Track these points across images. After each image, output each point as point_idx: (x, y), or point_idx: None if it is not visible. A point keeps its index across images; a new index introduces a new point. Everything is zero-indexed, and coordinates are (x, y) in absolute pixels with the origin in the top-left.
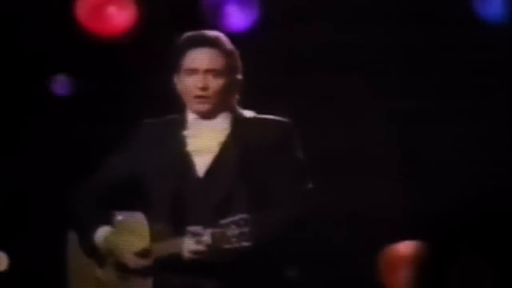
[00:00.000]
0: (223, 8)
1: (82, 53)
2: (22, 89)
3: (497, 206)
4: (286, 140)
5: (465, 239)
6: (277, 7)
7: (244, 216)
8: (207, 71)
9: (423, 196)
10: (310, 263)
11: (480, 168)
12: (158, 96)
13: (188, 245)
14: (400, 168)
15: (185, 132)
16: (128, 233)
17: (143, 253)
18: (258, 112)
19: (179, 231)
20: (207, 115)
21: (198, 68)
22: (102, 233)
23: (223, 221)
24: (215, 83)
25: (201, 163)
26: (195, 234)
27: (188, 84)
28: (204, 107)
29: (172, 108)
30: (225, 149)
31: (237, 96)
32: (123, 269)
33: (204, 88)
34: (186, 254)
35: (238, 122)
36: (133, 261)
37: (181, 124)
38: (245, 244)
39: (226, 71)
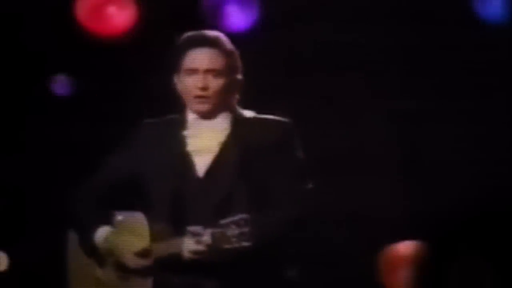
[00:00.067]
0: (223, 8)
1: (82, 53)
2: (22, 89)
3: (497, 206)
4: (286, 140)
5: (465, 239)
6: (277, 7)
7: (244, 216)
8: (207, 71)
9: (423, 196)
10: (310, 263)
11: (480, 168)
12: (158, 96)
13: (188, 245)
14: (400, 168)
15: (185, 132)
16: (128, 233)
17: (143, 253)
18: (258, 112)
19: (179, 231)
20: (207, 115)
21: (198, 68)
22: (102, 233)
23: (223, 221)
24: (215, 83)
25: (201, 163)
26: (195, 234)
27: (188, 84)
28: (204, 107)
29: (172, 108)
30: (225, 149)
31: (237, 96)
32: (123, 269)
33: (204, 88)
34: (186, 254)
35: (238, 122)
36: (133, 261)
37: (181, 124)
38: (245, 244)
39: (226, 71)
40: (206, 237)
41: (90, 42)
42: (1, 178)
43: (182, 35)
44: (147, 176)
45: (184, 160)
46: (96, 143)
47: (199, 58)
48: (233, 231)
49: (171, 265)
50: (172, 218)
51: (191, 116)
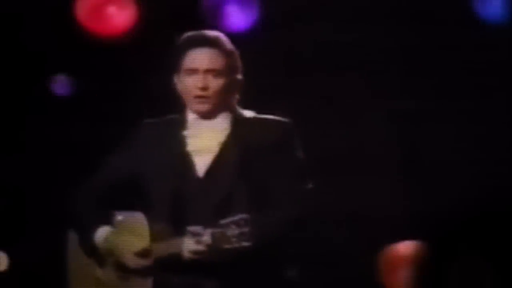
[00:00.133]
0: (223, 8)
1: (82, 53)
2: (22, 89)
3: (497, 206)
4: (286, 140)
5: (465, 239)
6: (277, 7)
7: (244, 216)
8: (207, 71)
9: (423, 196)
10: (310, 263)
11: (480, 168)
12: (158, 96)
13: (188, 245)
14: (400, 168)
15: (185, 132)
16: (128, 233)
17: (143, 253)
18: (258, 112)
19: (179, 231)
20: (207, 115)
21: (198, 68)
22: (102, 233)
23: (223, 221)
24: (215, 83)
25: (201, 163)
26: (195, 234)
27: (188, 84)
28: (204, 107)
29: (172, 108)
30: (225, 149)
31: (237, 96)
32: (123, 269)
33: (204, 88)
34: (186, 254)
35: (238, 122)
36: (133, 261)
37: (181, 124)
38: (245, 244)
39: (226, 71)
40: (206, 237)
41: (90, 42)
42: (1, 178)
43: (182, 35)
44: (147, 176)
45: (184, 160)
46: (96, 143)
47: (199, 58)
48: (233, 231)
49: (171, 265)
50: (172, 218)
51: (191, 116)
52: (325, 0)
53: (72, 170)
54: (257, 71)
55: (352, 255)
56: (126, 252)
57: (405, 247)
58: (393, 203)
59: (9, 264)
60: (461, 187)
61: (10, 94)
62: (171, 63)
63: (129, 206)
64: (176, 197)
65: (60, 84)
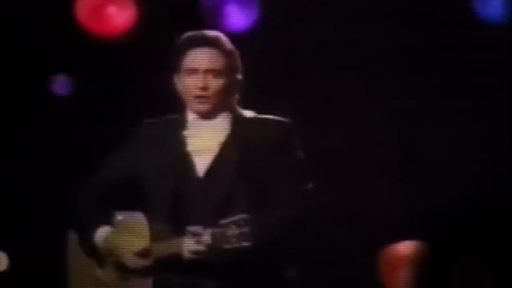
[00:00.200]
0: (223, 8)
1: (82, 53)
2: (22, 89)
3: (497, 206)
4: (286, 140)
5: (465, 239)
6: (277, 7)
7: (244, 216)
8: (207, 71)
9: (423, 196)
10: (310, 263)
11: (480, 168)
12: (158, 96)
13: (188, 245)
14: (400, 168)
15: (185, 132)
16: (128, 233)
17: (143, 253)
18: (258, 112)
19: (179, 231)
20: (207, 115)
21: (198, 68)
22: (102, 233)
23: (223, 221)
24: (215, 83)
25: (201, 163)
26: (195, 234)
27: (188, 84)
28: (204, 107)
29: (172, 108)
30: (225, 149)
31: (237, 96)
32: (123, 269)
33: (204, 88)
34: (186, 254)
35: (238, 122)
36: (133, 261)
37: (181, 124)
38: (245, 244)
39: (226, 71)
40: (206, 237)
41: (90, 42)
42: (1, 178)
43: (182, 35)
44: (147, 176)
45: (184, 160)
46: (96, 143)
47: (199, 58)
48: (233, 231)
49: (171, 265)
50: (172, 218)
51: (191, 116)
52: (325, 0)
53: (72, 170)
54: (257, 71)
55: (352, 255)
56: (126, 252)
57: (405, 247)
58: (393, 203)
59: (9, 264)
60: (461, 187)
61: (10, 94)
62: (171, 63)
63: (129, 206)
64: (176, 197)
65: (60, 84)
